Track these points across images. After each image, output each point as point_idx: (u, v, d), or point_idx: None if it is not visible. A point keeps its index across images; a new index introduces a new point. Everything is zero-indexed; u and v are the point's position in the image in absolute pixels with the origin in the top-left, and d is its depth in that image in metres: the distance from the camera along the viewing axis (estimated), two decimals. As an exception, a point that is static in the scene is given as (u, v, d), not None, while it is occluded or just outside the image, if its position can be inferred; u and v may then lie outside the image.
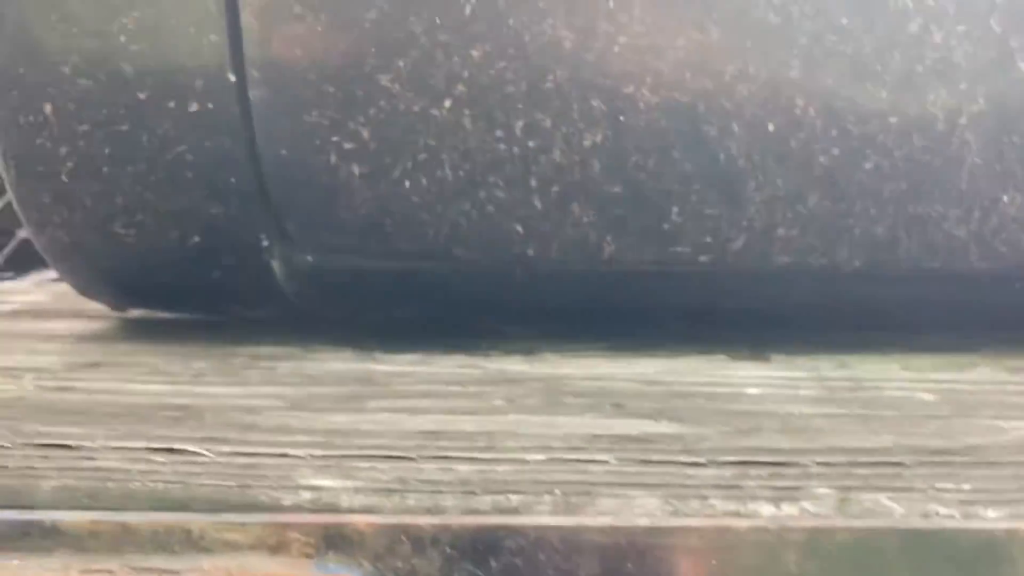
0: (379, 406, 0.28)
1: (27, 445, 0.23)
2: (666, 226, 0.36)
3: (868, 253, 0.36)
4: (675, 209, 0.35)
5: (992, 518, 0.20)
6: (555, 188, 0.35)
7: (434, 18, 0.33)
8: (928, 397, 0.29)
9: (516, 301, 0.40)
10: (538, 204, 0.36)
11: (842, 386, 0.30)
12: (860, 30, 0.32)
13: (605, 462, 0.22)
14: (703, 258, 0.36)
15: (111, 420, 0.26)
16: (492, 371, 0.33)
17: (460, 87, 0.34)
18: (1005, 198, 0.34)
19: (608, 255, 0.36)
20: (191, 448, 0.23)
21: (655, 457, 0.23)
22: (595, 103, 0.34)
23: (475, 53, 0.33)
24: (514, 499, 0.20)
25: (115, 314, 0.46)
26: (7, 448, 0.23)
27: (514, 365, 0.34)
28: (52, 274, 0.67)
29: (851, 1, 0.32)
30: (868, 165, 0.34)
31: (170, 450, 0.23)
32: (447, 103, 0.34)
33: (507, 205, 0.36)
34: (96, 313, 0.47)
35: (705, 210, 0.35)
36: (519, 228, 0.36)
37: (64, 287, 0.54)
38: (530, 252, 0.37)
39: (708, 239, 0.36)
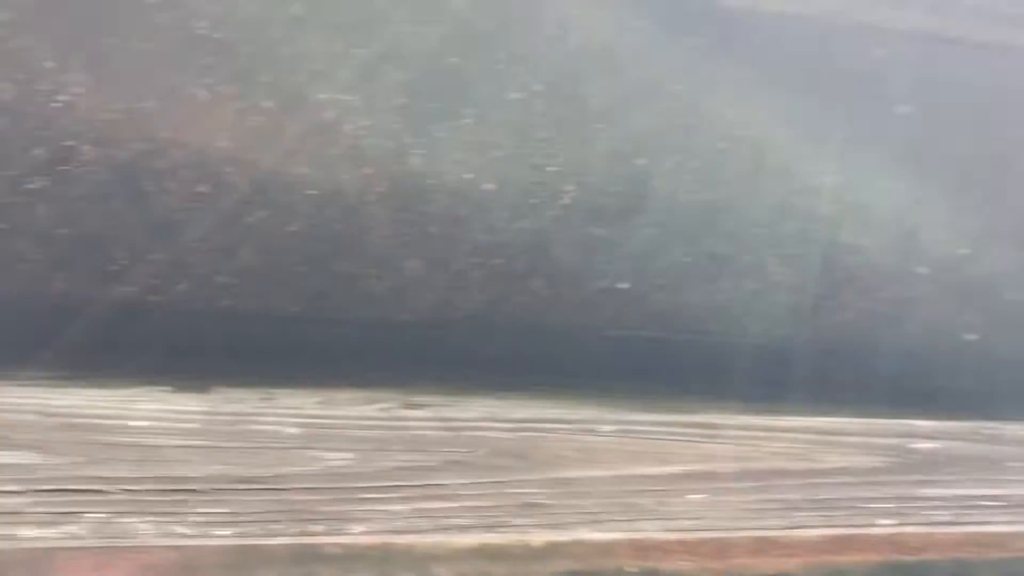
0: None
1: None
2: (113, 267, 0.39)
3: (304, 301, 0.42)
4: (120, 252, 0.39)
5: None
6: (2, 225, 0.37)
7: None
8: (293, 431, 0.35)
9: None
10: (-16, 238, 0.38)
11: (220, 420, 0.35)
12: (281, 114, 0.38)
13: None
14: (152, 297, 0.40)
15: None
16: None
17: None
18: (408, 263, 0.42)
19: (57, 289, 0.39)
20: None
21: None
22: (36, 151, 0.36)
23: None
24: None
25: None
26: None
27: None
28: None
29: (273, 88, 0.38)
30: (292, 228, 0.40)
31: None
32: None
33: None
34: None
35: (147, 255, 0.39)
36: None
37: None
38: None
39: (154, 280, 0.40)
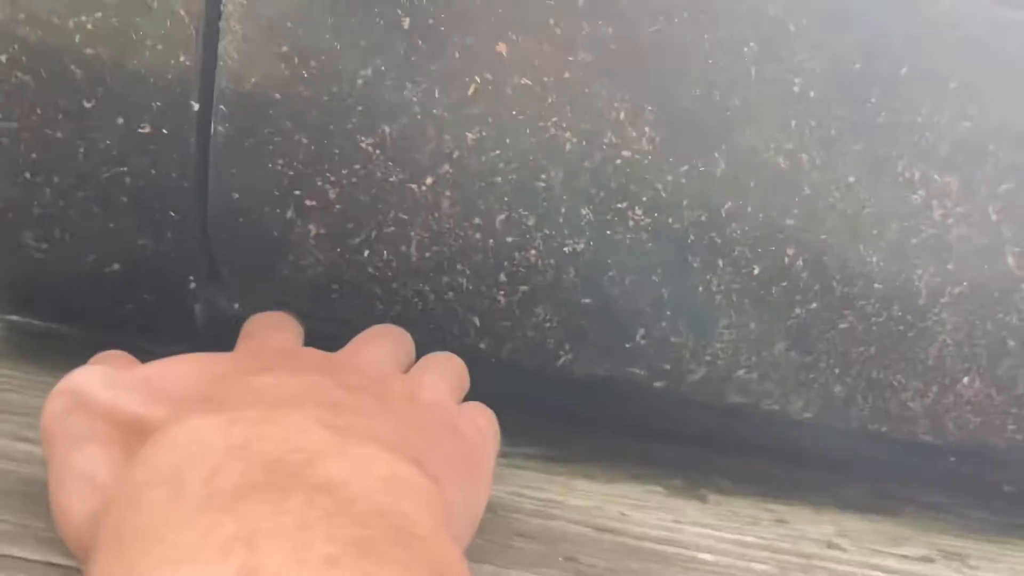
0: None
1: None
2: (628, 345, 0.34)
3: (821, 408, 0.35)
4: (641, 331, 0.34)
5: None
6: (523, 287, 0.33)
7: (433, 89, 0.30)
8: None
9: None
10: (501, 300, 0.33)
11: (790, 561, 0.29)
12: (864, 191, 0.31)
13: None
14: (657, 383, 0.35)
15: (3, 506, 0.22)
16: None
17: (446, 166, 0.31)
18: (965, 380, 0.34)
19: (563, 363, 0.35)
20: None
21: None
22: (584, 211, 0.32)
23: (469, 135, 0.31)
24: None
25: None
26: None
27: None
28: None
29: (860, 162, 0.31)
30: (843, 325, 0.33)
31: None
32: (428, 180, 0.31)
33: (467, 296, 0.33)
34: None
35: (671, 337, 0.34)
36: (476, 320, 0.34)
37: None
38: (482, 346, 0.34)
39: (667, 365, 0.34)
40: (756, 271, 0.32)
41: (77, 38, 0.30)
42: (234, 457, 0.16)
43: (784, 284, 0.32)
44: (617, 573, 0.25)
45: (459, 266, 0.33)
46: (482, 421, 0.28)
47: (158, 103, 0.30)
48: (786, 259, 0.32)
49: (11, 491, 0.24)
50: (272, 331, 0.29)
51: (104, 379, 0.21)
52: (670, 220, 0.32)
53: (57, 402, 0.22)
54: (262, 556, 0.13)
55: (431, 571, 0.15)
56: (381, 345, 0.31)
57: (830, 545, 0.32)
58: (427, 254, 0.32)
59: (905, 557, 0.33)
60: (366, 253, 0.33)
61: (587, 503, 0.32)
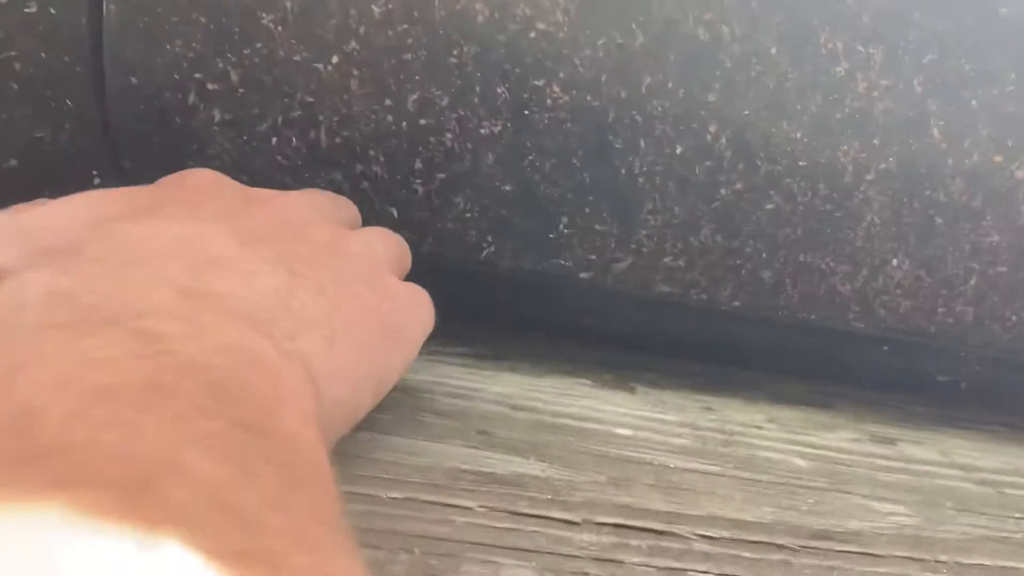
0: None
1: None
2: (551, 235, 0.33)
3: (750, 295, 0.34)
4: (564, 219, 0.33)
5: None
6: (440, 175, 0.32)
7: (335, -39, 0.29)
8: (801, 463, 0.28)
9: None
10: (419, 189, 0.32)
11: (714, 438, 0.29)
12: (786, 63, 0.31)
13: (470, 509, 0.20)
14: (583, 275, 0.34)
15: None
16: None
17: (353, 43, 0.30)
18: (894, 261, 0.34)
19: (487, 256, 0.34)
20: None
21: (526, 510, 0.20)
22: (499, 90, 0.30)
23: (376, 9, 0.29)
24: (366, 555, 0.17)
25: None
26: None
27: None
28: None
29: (781, 34, 0.30)
30: (769, 206, 0.32)
31: None
32: (335, 59, 0.30)
33: (383, 185, 0.32)
34: None
35: (595, 225, 0.33)
36: (393, 211, 0.33)
37: None
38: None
39: (592, 256, 0.33)
40: (679, 150, 0.31)
41: (-49, -92, 0.28)
42: (51, 302, 0.14)
43: (708, 164, 0.32)
44: (532, 445, 0.24)
45: (372, 152, 0.31)
46: (414, 289, 0.26)
47: (44, -21, 0.29)
48: (708, 136, 0.31)
49: None
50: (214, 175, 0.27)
51: None
52: (588, 97, 0.30)
53: None
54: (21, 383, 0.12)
55: (243, 431, 0.13)
56: (322, 198, 0.29)
57: (756, 426, 0.32)
58: (337, 140, 0.31)
59: (832, 437, 0.32)
60: (274, 140, 0.31)
61: (509, 390, 0.31)
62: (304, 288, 0.19)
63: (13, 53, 0.30)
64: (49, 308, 0.14)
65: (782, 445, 0.29)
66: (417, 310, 0.25)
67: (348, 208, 0.30)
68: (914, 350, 0.37)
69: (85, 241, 0.19)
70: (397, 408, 0.26)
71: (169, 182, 0.26)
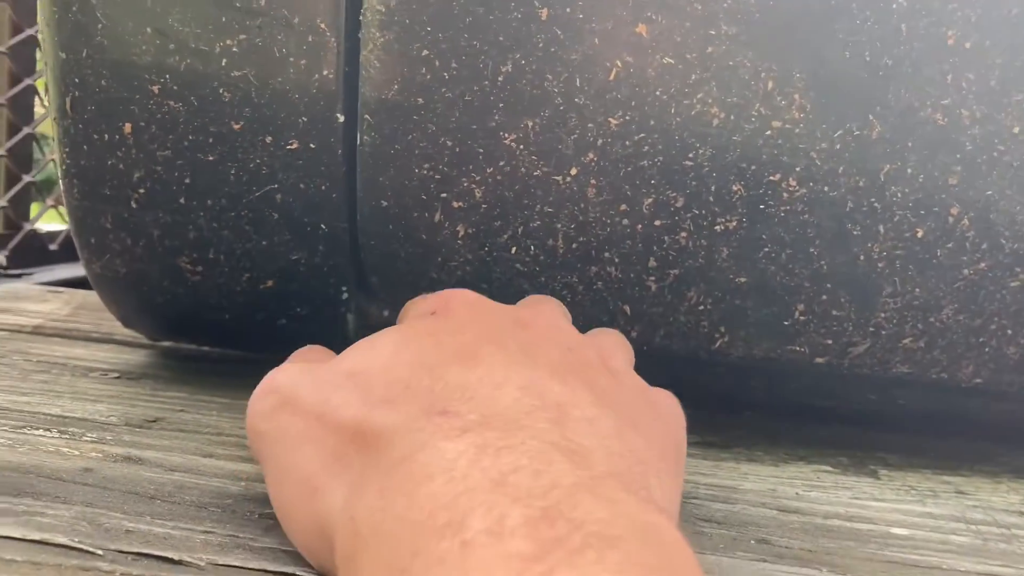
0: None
1: (121, 555, 0.20)
2: (786, 323, 0.33)
3: (992, 372, 0.34)
4: (800, 307, 0.33)
5: None
6: (674, 271, 0.33)
7: (574, 78, 0.30)
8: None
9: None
10: (652, 286, 0.33)
11: (990, 532, 0.28)
12: (1029, 142, 0.30)
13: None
14: (819, 359, 0.34)
15: (203, 518, 0.23)
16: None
17: (590, 155, 0.31)
18: None
19: (719, 346, 0.34)
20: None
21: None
22: (735, 187, 0.31)
23: (612, 121, 0.30)
24: None
25: (146, 340, 0.42)
26: (98, 557, 0.20)
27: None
28: (57, 273, 0.63)
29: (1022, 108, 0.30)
30: (1014, 283, 0.32)
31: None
32: (573, 170, 0.31)
33: (617, 284, 0.33)
34: (126, 337, 0.43)
35: (832, 311, 0.33)
36: (626, 308, 0.33)
37: (81, 296, 0.51)
38: (633, 334, 0.34)
39: (829, 340, 0.33)
40: (920, 234, 0.31)
41: (224, 62, 0.30)
42: (504, 496, 0.15)
43: (950, 245, 0.31)
44: (815, 553, 0.24)
45: (607, 254, 0.32)
46: (671, 400, 0.27)
47: (304, 119, 0.31)
48: (950, 219, 0.31)
49: (205, 504, 0.24)
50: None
51: (309, 378, 0.21)
52: (826, 188, 0.31)
53: (264, 402, 0.22)
54: None
55: None
56: (558, 307, 0.29)
57: (1019, 511, 0.31)
58: (574, 245, 0.32)
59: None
60: (513, 250, 0.33)
61: (761, 486, 0.31)
62: (624, 425, 0.20)
63: (275, 186, 0.32)
64: (515, 512, 0.15)
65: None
66: (683, 427, 0.26)
67: (562, 307, 0.30)
68: None
69: (429, 388, 0.20)
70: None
71: (438, 308, 0.26)
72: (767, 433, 0.37)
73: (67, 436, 0.29)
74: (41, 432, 0.29)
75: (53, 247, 0.69)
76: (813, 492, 0.31)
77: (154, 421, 0.31)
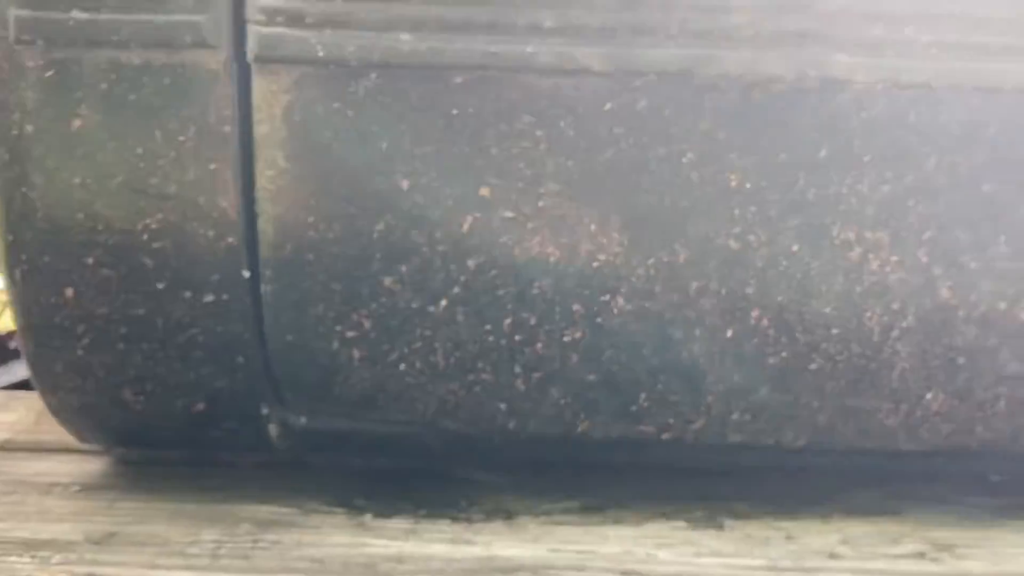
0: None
1: None
2: (633, 408, 0.40)
3: (810, 437, 0.41)
4: (643, 395, 0.40)
5: None
6: (536, 374, 0.39)
7: (435, 231, 0.37)
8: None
9: (494, 458, 0.44)
10: (521, 387, 0.40)
11: (789, 578, 0.35)
12: (808, 256, 0.37)
13: None
14: (665, 436, 0.41)
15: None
16: (481, 557, 0.37)
17: (455, 289, 0.38)
18: (928, 395, 0.39)
19: (582, 430, 0.41)
20: None
21: None
22: (575, 308, 0.38)
23: (470, 262, 0.37)
24: None
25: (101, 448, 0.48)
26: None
27: (501, 542, 0.38)
28: (15, 370, 0.69)
29: (800, 234, 0.37)
30: (812, 366, 0.39)
31: None
32: (443, 302, 0.38)
33: (492, 387, 0.40)
34: (84, 447, 0.49)
35: (669, 397, 0.39)
36: (502, 406, 0.40)
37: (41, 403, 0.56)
38: (511, 426, 0.41)
39: (671, 420, 0.40)
40: (729, 334, 0.38)
41: (145, 237, 0.37)
42: None
43: (755, 341, 0.38)
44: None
45: (480, 364, 0.39)
46: None
47: (216, 276, 0.37)
48: (752, 320, 0.38)
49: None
50: None
51: None
52: (647, 304, 0.37)
53: None
54: None
55: None
56: None
57: (831, 555, 0.38)
58: (452, 360, 0.39)
59: (898, 556, 0.38)
60: (402, 367, 0.39)
61: (617, 549, 0.38)
62: None
63: (196, 331, 0.38)
64: None
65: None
66: None
67: None
68: (967, 457, 0.43)
69: None
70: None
71: None
72: (640, 491, 0.44)
73: (38, 559, 0.35)
74: (15, 558, 0.35)
75: (12, 345, 0.74)
76: (661, 552, 0.38)
77: (112, 535, 0.38)
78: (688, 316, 0.38)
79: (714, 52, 0.34)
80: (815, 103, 0.35)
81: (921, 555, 0.38)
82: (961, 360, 0.38)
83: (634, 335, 0.38)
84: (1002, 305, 0.37)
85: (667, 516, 0.41)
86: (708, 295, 0.37)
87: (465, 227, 0.36)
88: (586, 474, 0.44)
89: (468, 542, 0.38)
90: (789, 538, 0.40)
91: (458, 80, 0.35)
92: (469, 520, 0.40)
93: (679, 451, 0.42)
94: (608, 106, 0.35)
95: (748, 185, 0.36)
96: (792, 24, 0.34)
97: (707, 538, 0.39)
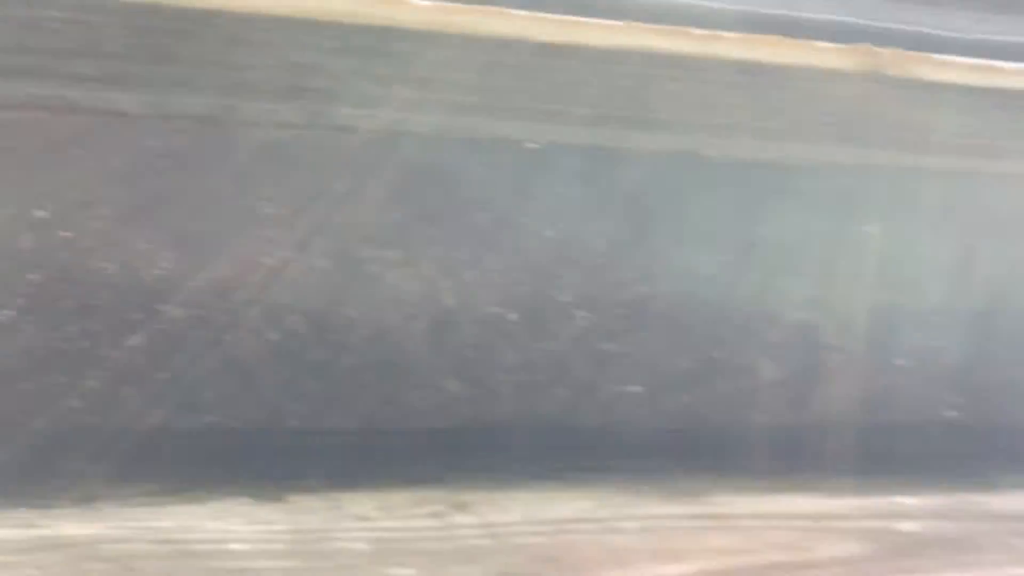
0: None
1: None
2: (194, 400, 0.46)
3: (356, 418, 0.49)
4: (207, 391, 0.46)
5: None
6: (108, 375, 0.45)
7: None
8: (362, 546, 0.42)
9: (84, 451, 0.49)
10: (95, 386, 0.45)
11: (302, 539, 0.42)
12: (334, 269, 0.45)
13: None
14: (233, 424, 0.47)
15: None
16: (44, 536, 0.41)
17: (21, 300, 0.42)
18: (446, 382, 0.48)
19: (159, 423, 0.46)
20: None
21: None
22: (135, 316, 0.44)
23: (31, 278, 0.42)
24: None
25: None
26: None
27: (70, 524, 0.42)
28: None
29: (326, 250, 0.45)
30: (346, 362, 0.47)
31: None
32: (11, 312, 0.42)
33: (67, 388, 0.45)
34: None
35: (228, 391, 0.46)
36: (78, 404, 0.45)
37: None
38: (93, 421, 0.46)
39: (234, 411, 0.47)
40: (274, 336, 0.45)
41: None
42: None
43: (295, 341, 0.46)
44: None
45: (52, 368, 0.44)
46: None
47: None
48: (291, 324, 0.45)
49: None
50: None
51: None
52: (199, 312, 0.44)
53: None
54: None
55: None
56: None
57: (364, 518, 0.46)
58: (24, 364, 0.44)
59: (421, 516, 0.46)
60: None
61: (170, 524, 0.44)
62: None
63: None
64: None
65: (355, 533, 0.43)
66: None
67: None
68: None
69: None
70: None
71: None
72: (218, 474, 0.50)
73: None
74: None
75: None
76: (211, 523, 0.44)
77: None
78: (236, 321, 0.44)
79: (236, 102, 0.41)
80: (327, 145, 0.43)
81: (439, 514, 0.47)
82: (469, 353, 0.48)
83: (192, 339, 0.44)
84: (497, 309, 0.47)
85: (234, 494, 0.48)
86: (253, 304, 0.44)
87: (26, 243, 0.41)
88: (176, 462, 0.50)
89: (37, 525, 0.43)
90: (336, 508, 0.47)
91: (11, 116, 0.40)
92: (48, 506, 0.45)
93: (243, 437, 0.49)
94: (150, 143, 0.41)
95: (281, 211, 0.43)
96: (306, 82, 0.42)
97: (265, 511, 0.46)
